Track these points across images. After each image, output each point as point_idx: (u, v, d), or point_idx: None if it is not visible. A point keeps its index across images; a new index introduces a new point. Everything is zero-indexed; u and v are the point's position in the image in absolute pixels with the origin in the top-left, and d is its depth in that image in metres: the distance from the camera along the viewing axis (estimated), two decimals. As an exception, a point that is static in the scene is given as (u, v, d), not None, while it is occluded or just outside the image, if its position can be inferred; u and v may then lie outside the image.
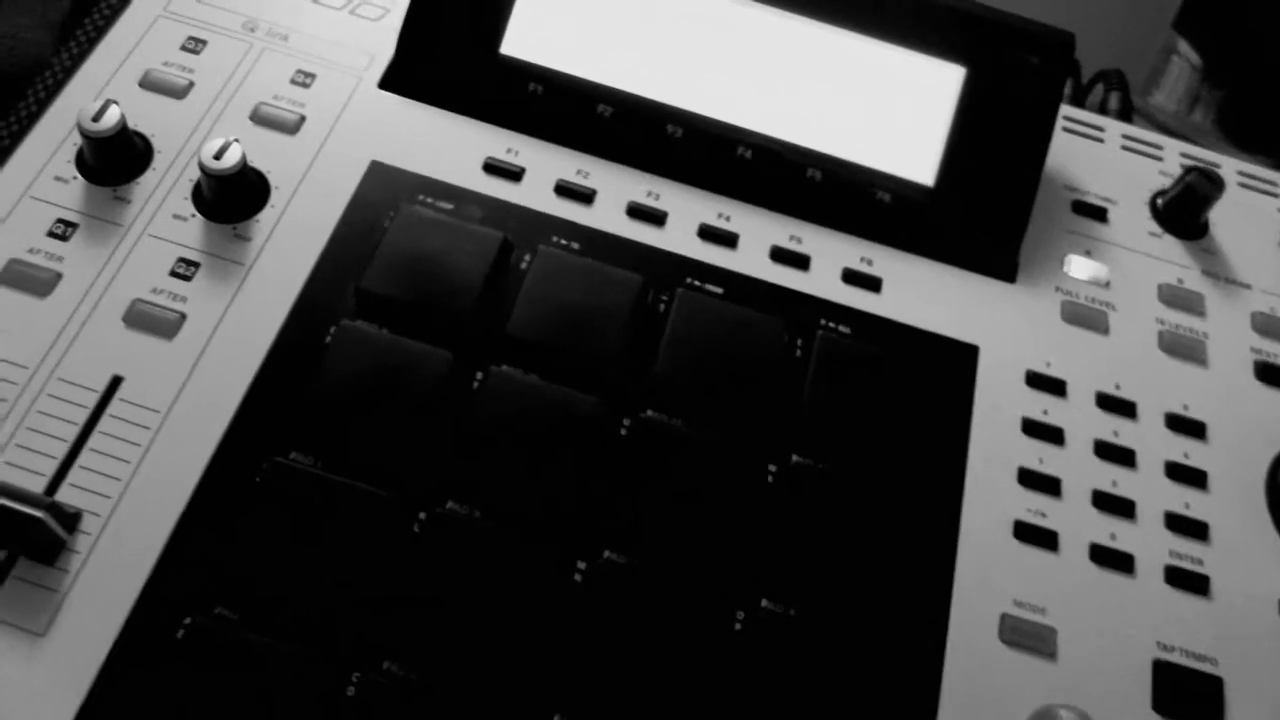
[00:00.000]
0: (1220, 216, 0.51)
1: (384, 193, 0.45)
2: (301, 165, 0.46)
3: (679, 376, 0.42)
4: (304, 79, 0.48)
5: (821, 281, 0.46)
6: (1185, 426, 0.45)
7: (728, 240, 0.47)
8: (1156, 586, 0.41)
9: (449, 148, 0.47)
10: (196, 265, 0.43)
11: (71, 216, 0.43)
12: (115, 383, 0.40)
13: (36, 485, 0.38)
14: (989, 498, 0.42)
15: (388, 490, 0.39)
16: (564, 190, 0.47)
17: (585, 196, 0.47)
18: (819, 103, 0.48)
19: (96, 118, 0.43)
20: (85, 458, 0.38)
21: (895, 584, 0.40)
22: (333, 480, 0.39)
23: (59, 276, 0.42)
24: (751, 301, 0.45)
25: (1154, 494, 0.43)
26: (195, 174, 0.44)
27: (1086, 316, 0.47)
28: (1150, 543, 0.42)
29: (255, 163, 0.45)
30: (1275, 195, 0.53)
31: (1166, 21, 1.03)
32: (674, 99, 0.48)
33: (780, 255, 0.47)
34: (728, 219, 0.47)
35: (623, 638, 0.38)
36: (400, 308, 0.42)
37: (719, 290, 0.45)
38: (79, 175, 0.44)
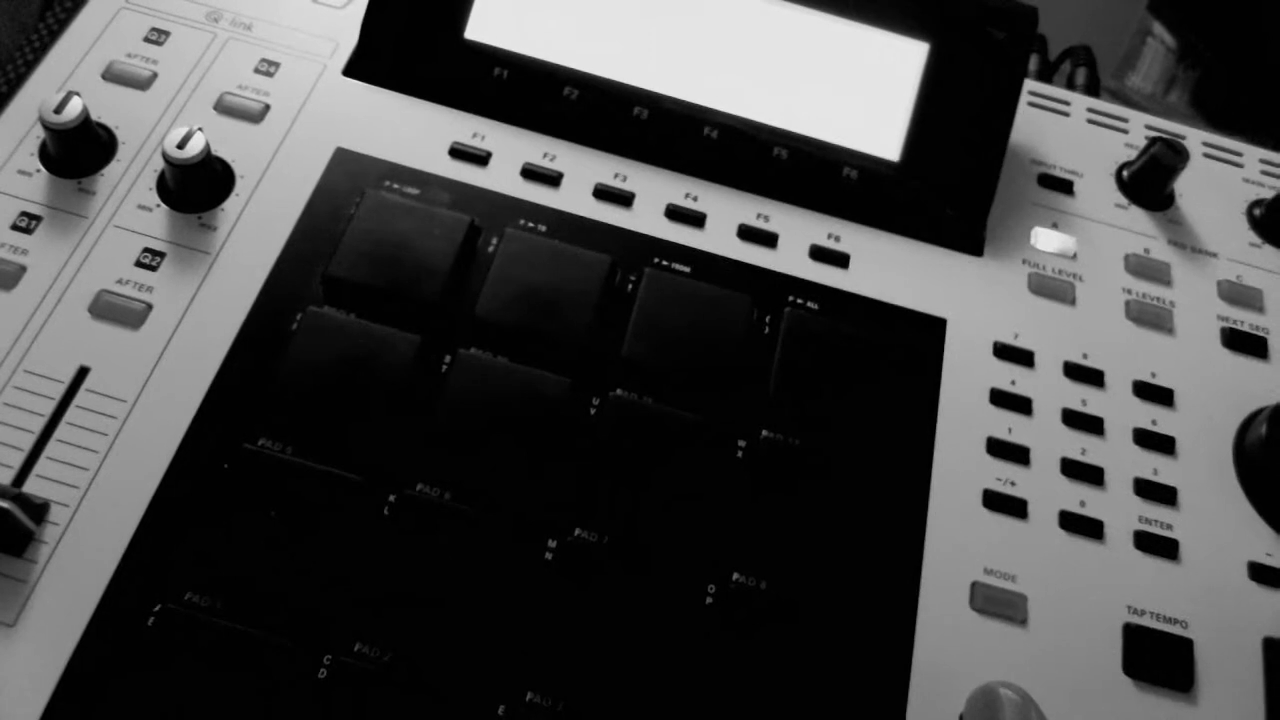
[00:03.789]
0: (1185, 187, 0.51)
1: (349, 179, 0.45)
2: (266, 153, 0.46)
3: (648, 355, 0.43)
4: (268, 68, 0.48)
5: (789, 258, 0.46)
6: (1153, 394, 0.45)
7: (695, 220, 0.47)
8: (1126, 552, 0.41)
9: (414, 133, 0.47)
10: (162, 255, 0.43)
11: (36, 209, 0.43)
12: (82, 373, 0.40)
13: (3, 477, 0.38)
14: (958, 468, 0.42)
15: (357, 474, 0.39)
16: (531, 173, 0.47)
17: (552, 179, 0.47)
18: (784, 81, 0.49)
19: (59, 109, 0.43)
20: (52, 449, 0.38)
21: (866, 555, 0.40)
22: (302, 465, 0.39)
23: (24, 269, 0.42)
24: (719, 280, 0.45)
25: (1123, 461, 0.43)
26: (159, 164, 0.44)
27: (1053, 288, 0.47)
28: (1119, 509, 0.42)
29: (220, 152, 0.45)
30: (1239, 165, 0.53)
31: (1141, 4, 1.03)
32: (640, 81, 0.48)
33: (748, 233, 0.47)
34: (695, 199, 0.47)
35: (594, 614, 0.38)
36: (367, 293, 0.42)
37: (686, 269, 0.45)
38: (42, 168, 0.44)
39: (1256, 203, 0.52)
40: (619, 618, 0.38)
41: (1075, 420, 0.44)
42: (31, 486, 0.38)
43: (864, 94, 0.48)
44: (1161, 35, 1.06)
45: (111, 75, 0.47)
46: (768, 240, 0.47)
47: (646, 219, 0.47)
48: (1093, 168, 0.52)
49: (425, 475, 0.39)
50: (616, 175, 0.47)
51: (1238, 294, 0.49)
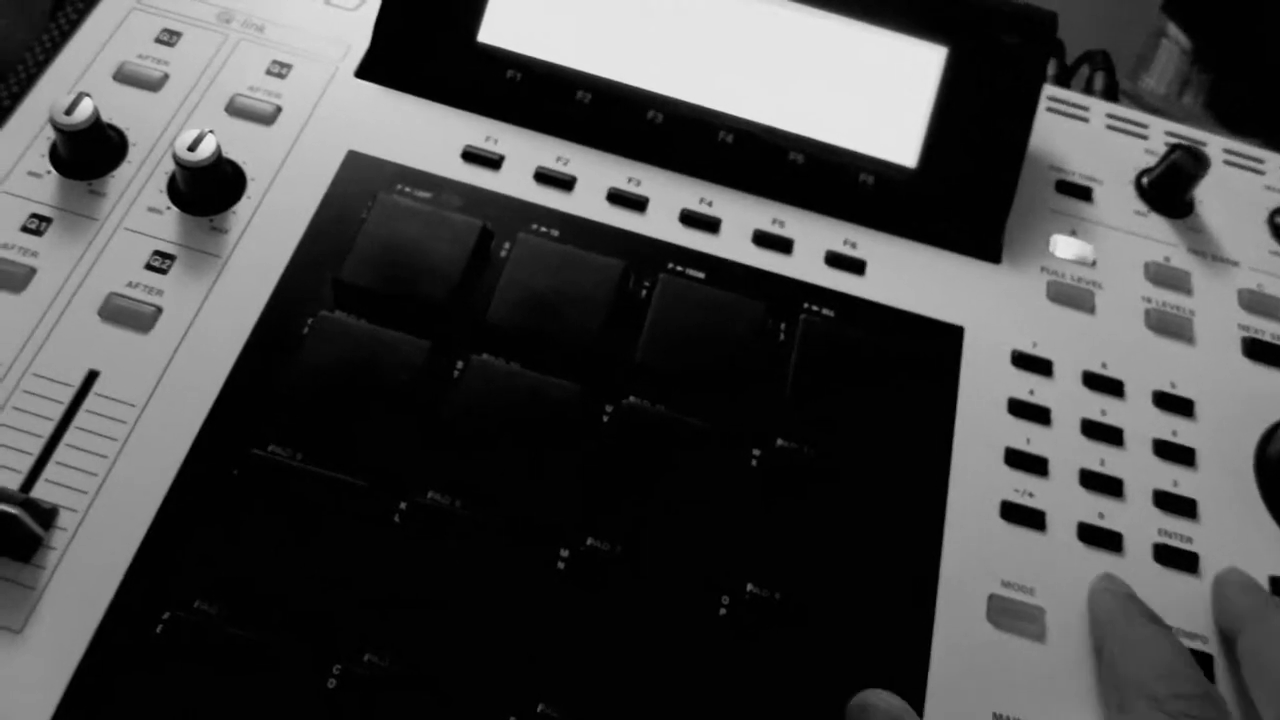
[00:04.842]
0: (1206, 194, 0.51)
1: (361, 182, 0.45)
2: (278, 156, 0.45)
3: (661, 362, 0.42)
4: (280, 69, 0.47)
5: (804, 265, 0.46)
6: (1173, 404, 0.45)
7: (710, 225, 0.46)
8: (1145, 565, 0.41)
9: (427, 136, 0.47)
10: (172, 258, 0.42)
11: (46, 211, 0.43)
12: (91, 377, 0.40)
13: (12, 482, 0.37)
14: (976, 478, 0.42)
15: (368, 481, 0.39)
16: (544, 177, 0.46)
17: (565, 183, 0.46)
18: (800, 86, 0.48)
19: (69, 111, 0.42)
20: (61, 453, 0.38)
21: (882, 566, 0.40)
22: (312, 472, 0.39)
23: (34, 271, 0.41)
24: (734, 286, 0.44)
25: (1142, 472, 0.43)
26: (170, 166, 0.44)
27: (1072, 296, 0.47)
28: (1139, 521, 0.42)
29: (231, 154, 0.45)
30: (1260, 172, 0.52)
31: (1155, 5, 1.03)
32: (654, 84, 0.48)
33: (763, 239, 0.46)
34: (709, 204, 0.47)
35: (606, 625, 0.37)
36: (378, 298, 0.42)
37: (701, 275, 0.45)
38: (53, 169, 0.44)
39: (1278, 210, 0.51)
40: (631, 628, 0.38)
41: (1094, 431, 0.43)
42: (40, 491, 0.37)
43: (881, 99, 0.48)
44: (1176, 36, 1.05)
45: (122, 76, 0.46)
46: (783, 246, 0.46)
47: (660, 224, 0.46)
48: (1112, 174, 0.51)
49: (436, 482, 0.39)
50: (630, 179, 0.47)
51: (1259, 303, 0.48)
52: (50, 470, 0.38)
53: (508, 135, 0.47)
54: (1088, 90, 0.62)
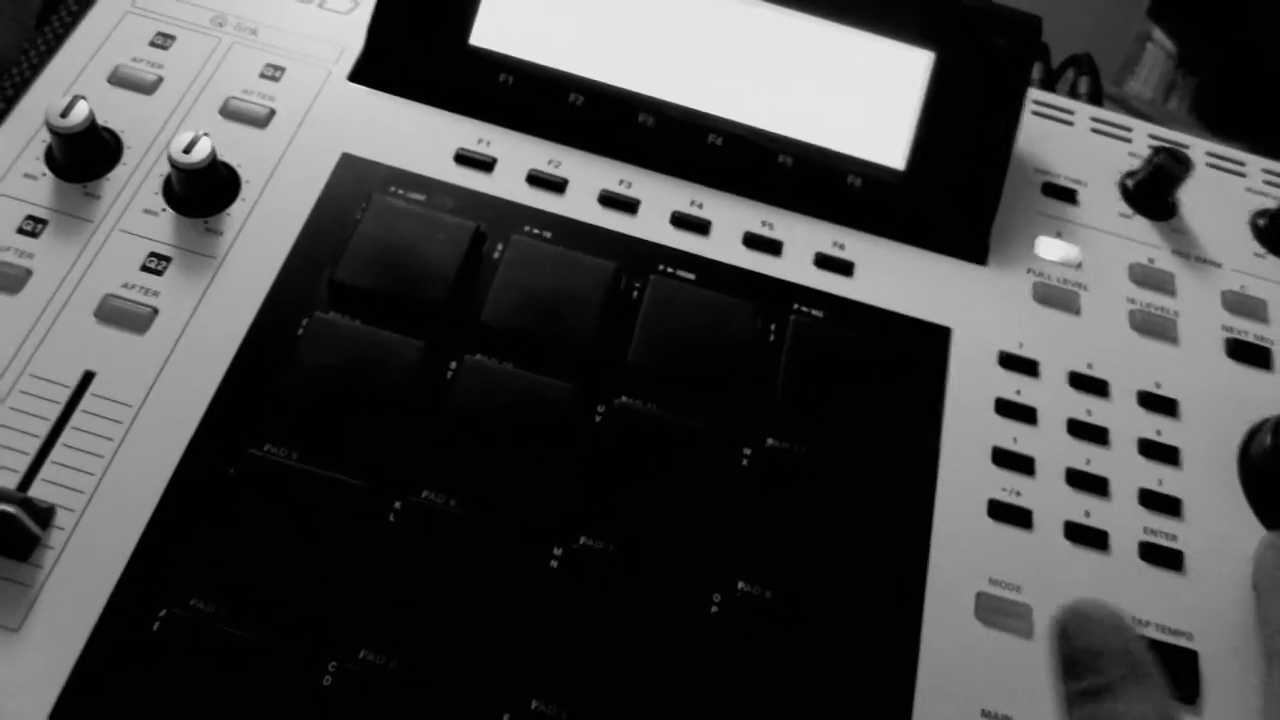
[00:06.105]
0: (1189, 197, 0.51)
1: (355, 185, 0.45)
2: (272, 158, 0.45)
3: (653, 362, 0.43)
4: (273, 72, 0.48)
5: (794, 266, 0.46)
6: (1157, 404, 0.45)
7: (700, 227, 0.47)
8: (1131, 563, 0.41)
9: (420, 139, 0.47)
10: (168, 260, 0.43)
11: (41, 213, 0.43)
12: (87, 378, 0.40)
13: (9, 482, 0.38)
14: (963, 478, 0.42)
15: (363, 480, 0.39)
16: (536, 180, 0.47)
17: (557, 186, 0.47)
18: (789, 89, 0.49)
19: (65, 114, 0.42)
20: (58, 453, 0.38)
21: (871, 565, 0.40)
22: (307, 471, 0.39)
23: (29, 273, 0.42)
24: (724, 287, 0.45)
25: (1127, 471, 0.43)
26: (165, 169, 0.44)
27: (1058, 297, 0.47)
28: (1124, 519, 0.42)
29: (226, 156, 0.45)
30: (1243, 175, 0.53)
31: (1141, 9, 1.03)
32: (645, 87, 0.48)
33: (752, 241, 0.47)
34: (700, 206, 0.47)
35: (599, 623, 0.38)
36: (373, 299, 0.42)
37: (691, 276, 0.45)
38: (48, 172, 0.44)
39: (1260, 213, 0.52)
40: (624, 626, 0.38)
41: (1080, 430, 0.44)
42: (37, 491, 0.38)
43: (869, 102, 0.48)
44: (1161, 41, 1.06)
45: (117, 79, 0.47)
46: (772, 248, 0.47)
47: (651, 226, 0.47)
48: (1096, 177, 0.52)
49: (430, 481, 0.39)
50: (621, 182, 0.47)
51: (1241, 304, 0.49)
52: (47, 470, 0.38)
53: (500, 138, 0.48)
54: (1072, 94, 0.63)
